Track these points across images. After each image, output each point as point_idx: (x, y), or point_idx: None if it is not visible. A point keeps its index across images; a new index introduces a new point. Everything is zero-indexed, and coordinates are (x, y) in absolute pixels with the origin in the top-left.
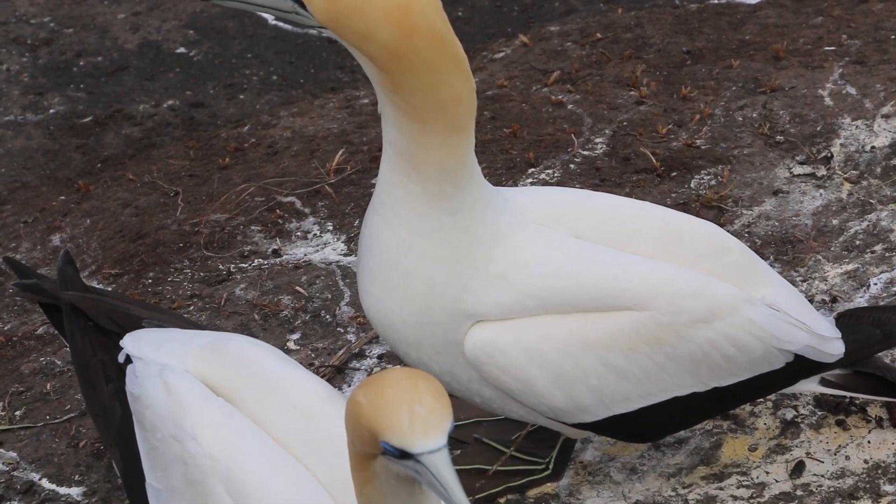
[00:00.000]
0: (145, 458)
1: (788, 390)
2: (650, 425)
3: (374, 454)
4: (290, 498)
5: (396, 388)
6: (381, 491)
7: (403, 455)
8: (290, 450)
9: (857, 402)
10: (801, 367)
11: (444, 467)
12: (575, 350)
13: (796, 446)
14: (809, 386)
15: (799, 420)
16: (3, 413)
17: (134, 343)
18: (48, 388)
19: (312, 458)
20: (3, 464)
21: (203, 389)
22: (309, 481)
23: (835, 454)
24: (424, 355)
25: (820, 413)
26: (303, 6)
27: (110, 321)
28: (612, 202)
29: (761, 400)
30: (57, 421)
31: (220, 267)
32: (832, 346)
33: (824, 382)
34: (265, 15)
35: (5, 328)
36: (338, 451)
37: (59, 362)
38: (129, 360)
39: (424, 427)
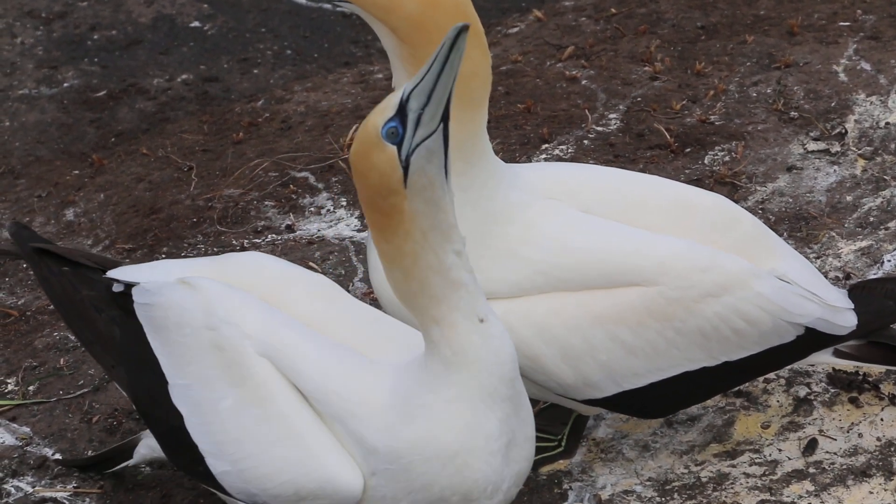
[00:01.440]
0: (167, 360)
1: (802, 362)
2: (661, 400)
3: (400, 193)
4: (331, 360)
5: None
6: (420, 232)
7: (403, 118)
8: (318, 328)
9: (871, 379)
10: (812, 339)
11: (420, 71)
12: (584, 326)
13: (809, 424)
14: (823, 357)
15: (812, 397)
16: (16, 388)
17: (124, 273)
18: (62, 363)
19: (340, 331)
20: (16, 439)
21: (226, 284)
22: (341, 345)
23: (847, 432)
24: None
25: (833, 390)
26: None
27: (89, 261)
28: (622, 176)
29: (773, 377)
30: (70, 396)
31: (234, 242)
32: (845, 317)
33: (838, 353)
34: None
35: (19, 303)
36: (355, 322)
37: (72, 337)
38: (127, 288)
39: (396, 91)
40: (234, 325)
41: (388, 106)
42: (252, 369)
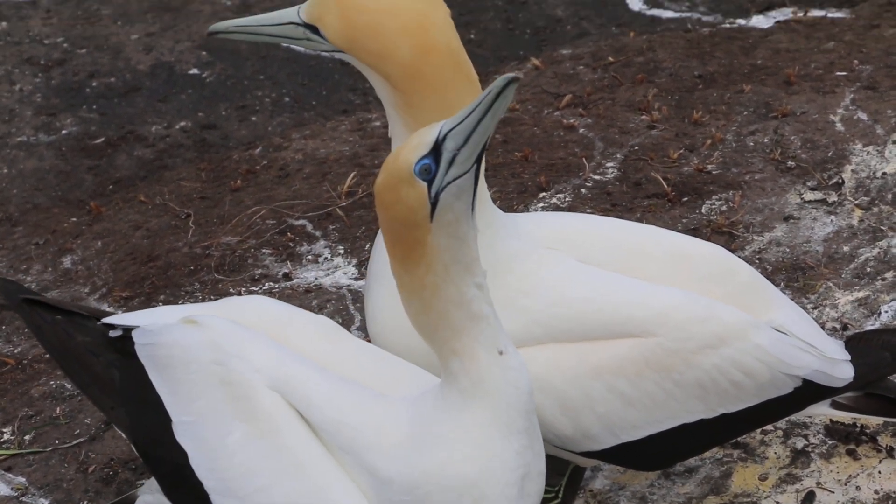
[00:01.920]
0: (171, 399)
1: (799, 414)
2: (659, 453)
3: (425, 227)
4: (343, 393)
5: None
6: (442, 266)
7: (437, 156)
8: (322, 364)
9: (868, 431)
10: (810, 391)
11: (461, 113)
12: (582, 377)
13: (807, 476)
14: (820, 409)
15: (809, 449)
16: (12, 437)
17: (121, 319)
18: (58, 412)
19: (344, 369)
20: (11, 489)
21: (231, 321)
22: (350, 381)
23: (845, 484)
24: None
25: (830, 442)
26: (314, 31)
27: (81, 310)
28: (619, 226)
29: (771, 428)
30: (66, 446)
31: (231, 290)
32: (841, 369)
33: (835, 405)
34: None
35: (15, 351)
36: (362, 360)
37: (68, 386)
38: (125, 332)
39: (432, 127)
40: (243, 359)
41: (423, 143)
42: (261, 403)
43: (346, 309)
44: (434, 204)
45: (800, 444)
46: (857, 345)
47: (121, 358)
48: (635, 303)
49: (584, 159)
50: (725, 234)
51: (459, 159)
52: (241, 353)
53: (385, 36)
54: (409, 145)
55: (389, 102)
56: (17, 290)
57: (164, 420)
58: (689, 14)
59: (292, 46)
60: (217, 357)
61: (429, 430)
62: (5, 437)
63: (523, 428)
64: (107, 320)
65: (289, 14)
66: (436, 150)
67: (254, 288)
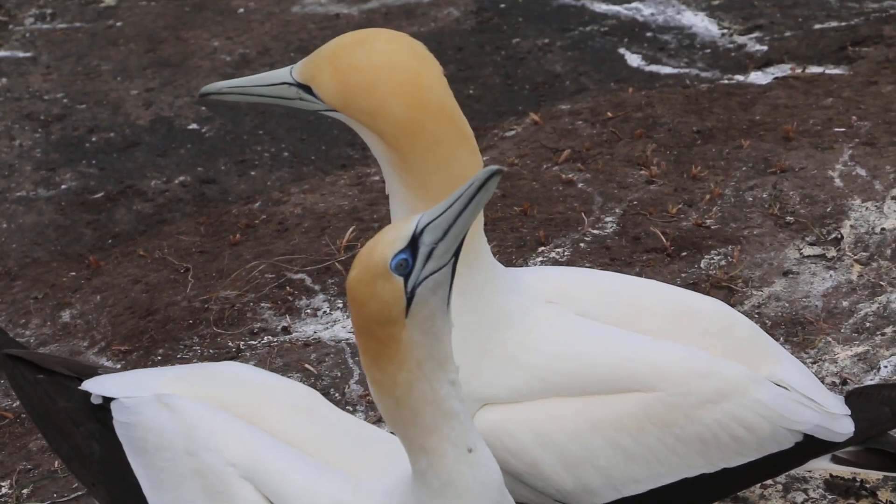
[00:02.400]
0: (148, 483)
1: (799, 469)
2: None
3: (400, 323)
4: (317, 483)
5: (370, 241)
6: (416, 363)
7: (413, 250)
8: (297, 445)
9: (868, 486)
10: (810, 446)
11: (440, 205)
12: (583, 432)
13: None
14: (821, 464)
15: None
16: (10, 491)
17: (99, 385)
18: (56, 465)
19: (320, 449)
20: None
21: (205, 404)
22: (325, 466)
23: None
24: None
25: (830, 497)
26: (308, 91)
27: (65, 368)
28: (619, 280)
29: (771, 482)
30: (64, 499)
31: (230, 344)
32: (842, 424)
33: (835, 459)
34: None
35: (14, 405)
36: (338, 438)
37: None
38: (105, 401)
39: (408, 219)
40: (214, 451)
41: (399, 237)
42: (237, 496)
43: (344, 362)
44: (410, 299)
45: (799, 498)
46: (857, 399)
47: (101, 429)
48: (636, 357)
49: (582, 214)
50: (724, 289)
51: (437, 253)
52: (213, 444)
53: (378, 95)
54: (385, 239)
55: (384, 160)
56: (4, 342)
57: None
58: (687, 70)
59: None
60: (189, 447)
61: None
62: (3, 490)
63: None
64: (86, 386)
65: (282, 74)
66: (413, 243)
67: (252, 342)
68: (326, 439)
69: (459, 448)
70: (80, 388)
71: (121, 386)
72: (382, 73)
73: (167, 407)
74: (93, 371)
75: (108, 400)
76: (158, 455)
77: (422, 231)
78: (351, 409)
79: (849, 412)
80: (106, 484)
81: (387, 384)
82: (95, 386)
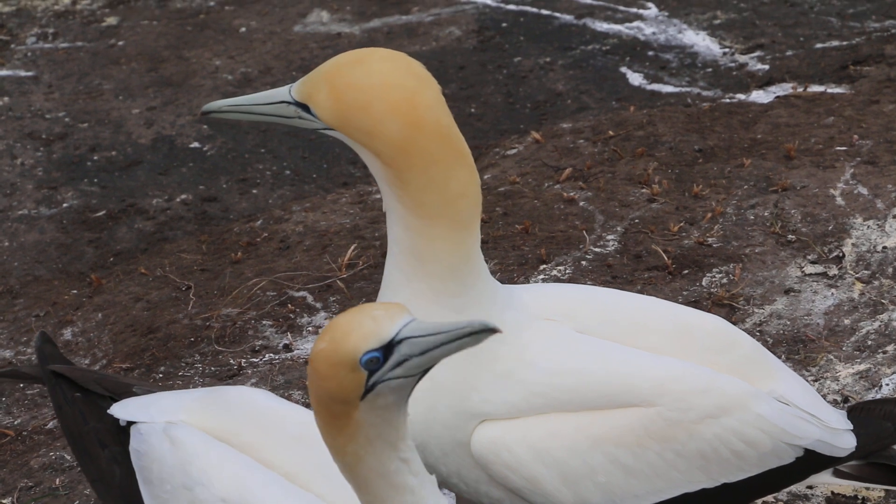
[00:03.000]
0: None
1: (801, 484)
2: None
3: (354, 404)
4: None
5: (347, 316)
6: (365, 440)
7: (387, 351)
8: (293, 477)
9: (869, 503)
10: (812, 461)
11: (427, 327)
12: (583, 447)
13: None
14: (822, 478)
15: None
16: None
17: (124, 408)
18: (57, 482)
19: (315, 481)
20: None
21: (205, 437)
22: (314, 502)
23: None
24: (431, 457)
25: None
26: (306, 110)
27: (100, 387)
28: (619, 297)
29: (772, 499)
30: None
31: (231, 361)
32: (844, 439)
33: (837, 473)
34: None
35: (15, 423)
36: (336, 470)
37: (68, 457)
38: (129, 423)
39: (390, 316)
40: (207, 487)
41: (377, 337)
42: None
43: None
44: (369, 389)
45: None
46: (859, 415)
47: (123, 452)
48: (635, 373)
49: (584, 232)
50: (726, 307)
51: (409, 365)
52: (206, 478)
53: (374, 114)
54: (361, 331)
55: (381, 178)
56: (52, 355)
57: None
58: (689, 89)
59: None
60: (185, 482)
61: None
62: None
63: None
64: (113, 410)
65: (280, 93)
66: (388, 346)
67: (254, 359)
68: (324, 471)
69: None
70: (108, 411)
71: (143, 410)
72: (378, 92)
73: (169, 439)
74: (128, 389)
75: (131, 423)
76: (161, 487)
77: (401, 340)
78: None
79: (851, 427)
80: None
81: (336, 451)
82: (120, 410)
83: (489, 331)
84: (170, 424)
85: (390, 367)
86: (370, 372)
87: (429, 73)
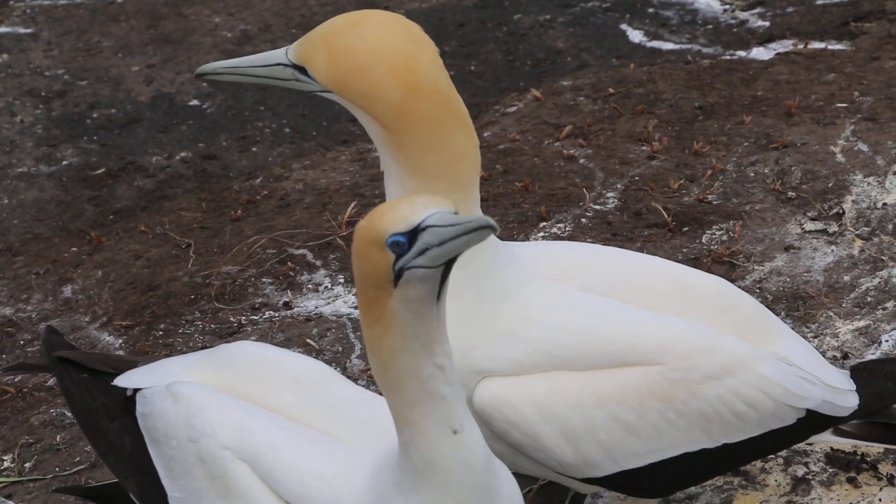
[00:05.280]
0: (163, 472)
1: (801, 442)
2: (660, 481)
3: (388, 291)
4: (304, 457)
5: (397, 200)
6: (400, 334)
7: (413, 238)
8: (298, 417)
9: (869, 459)
10: (814, 421)
11: (448, 218)
12: (585, 405)
13: (807, 503)
14: (823, 436)
15: (810, 477)
16: (12, 465)
17: (129, 378)
18: (58, 439)
19: (317, 418)
20: None
21: (207, 389)
22: (319, 437)
23: None
24: None
25: (831, 470)
26: (303, 72)
27: (106, 366)
28: (621, 256)
29: (772, 456)
30: (66, 473)
31: (231, 319)
32: (846, 398)
33: (837, 432)
34: None
35: (15, 380)
36: (339, 407)
37: (68, 414)
38: (135, 392)
39: (426, 204)
40: (211, 437)
41: (404, 221)
42: (234, 479)
43: (346, 337)
44: (398, 276)
45: (800, 471)
46: (861, 374)
47: (132, 422)
48: (639, 331)
49: (584, 189)
50: (726, 264)
51: (430, 254)
52: (209, 429)
53: (373, 77)
54: (391, 214)
55: (379, 140)
56: (57, 344)
57: (162, 493)
58: (689, 46)
59: None
60: (190, 434)
61: (385, 502)
62: (6, 464)
63: (478, 501)
64: (118, 381)
65: (277, 55)
66: (414, 232)
67: (254, 317)
68: (327, 409)
69: (443, 427)
70: (112, 383)
71: (147, 376)
72: (375, 56)
73: (172, 395)
74: (133, 366)
75: (137, 391)
76: (167, 444)
77: (425, 228)
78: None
79: (853, 387)
80: (136, 476)
81: (374, 344)
82: (125, 380)
83: (489, 227)
84: (172, 383)
85: (414, 255)
86: (397, 256)
87: (426, 34)
